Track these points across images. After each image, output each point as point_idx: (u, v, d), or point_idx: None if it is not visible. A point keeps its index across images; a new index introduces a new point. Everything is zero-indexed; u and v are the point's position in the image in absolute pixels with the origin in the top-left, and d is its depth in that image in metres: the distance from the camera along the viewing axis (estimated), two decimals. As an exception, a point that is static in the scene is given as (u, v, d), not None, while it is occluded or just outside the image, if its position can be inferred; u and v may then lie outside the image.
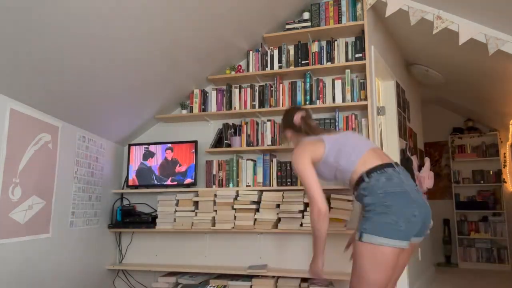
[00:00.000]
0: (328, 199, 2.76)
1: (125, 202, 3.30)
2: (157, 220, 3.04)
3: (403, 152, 3.53)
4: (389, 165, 1.68)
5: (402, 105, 3.61)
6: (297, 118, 2.02)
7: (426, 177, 3.69)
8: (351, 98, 2.83)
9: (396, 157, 3.39)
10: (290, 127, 2.06)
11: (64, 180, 2.60)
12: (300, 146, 1.88)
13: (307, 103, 2.93)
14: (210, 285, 1.93)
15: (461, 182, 5.53)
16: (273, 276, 2.78)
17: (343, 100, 2.86)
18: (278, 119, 3.05)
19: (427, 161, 3.82)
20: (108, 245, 3.15)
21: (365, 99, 2.78)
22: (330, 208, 2.71)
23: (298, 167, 1.79)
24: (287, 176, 2.88)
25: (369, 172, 1.65)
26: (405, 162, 3.44)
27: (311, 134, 1.95)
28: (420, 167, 3.81)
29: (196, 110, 3.19)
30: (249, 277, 2.81)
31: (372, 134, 2.73)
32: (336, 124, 2.84)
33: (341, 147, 1.76)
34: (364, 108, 2.82)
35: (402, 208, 1.56)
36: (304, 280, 2.74)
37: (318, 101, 2.91)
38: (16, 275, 2.19)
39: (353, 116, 2.83)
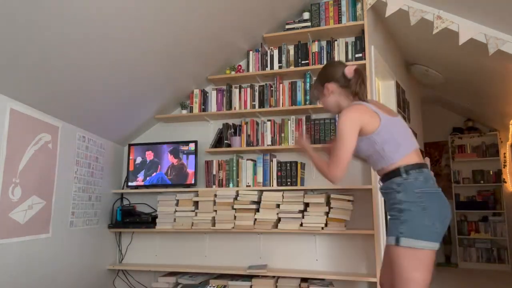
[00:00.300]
0: (328, 199, 2.76)
1: (125, 202, 3.30)
2: (157, 220, 3.04)
3: (403, 152, 3.51)
4: (425, 165, 1.62)
5: (402, 105, 3.61)
6: (350, 70, 1.74)
7: (426, 177, 3.68)
8: (351, 98, 2.83)
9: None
10: (336, 81, 1.75)
11: (64, 180, 2.60)
12: (357, 108, 1.65)
13: (307, 103, 2.93)
14: (210, 285, 1.92)
15: (461, 182, 5.53)
16: (273, 276, 2.78)
17: (343, 100, 2.85)
18: (278, 119, 3.05)
19: (427, 161, 3.81)
20: (108, 245, 3.15)
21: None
22: (330, 208, 2.72)
23: (345, 127, 1.60)
24: (287, 176, 2.88)
25: (408, 169, 1.57)
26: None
27: (359, 96, 1.72)
28: (420, 167, 3.80)
29: (196, 110, 3.19)
30: (249, 277, 2.81)
31: (372, 134, 2.73)
32: (336, 124, 2.84)
33: (394, 133, 1.62)
34: (364, 108, 2.82)
35: (438, 209, 1.54)
36: (304, 280, 2.74)
37: (318, 101, 2.91)
38: (16, 275, 2.18)
39: (353, 116, 2.83)
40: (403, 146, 1.62)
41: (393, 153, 1.60)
